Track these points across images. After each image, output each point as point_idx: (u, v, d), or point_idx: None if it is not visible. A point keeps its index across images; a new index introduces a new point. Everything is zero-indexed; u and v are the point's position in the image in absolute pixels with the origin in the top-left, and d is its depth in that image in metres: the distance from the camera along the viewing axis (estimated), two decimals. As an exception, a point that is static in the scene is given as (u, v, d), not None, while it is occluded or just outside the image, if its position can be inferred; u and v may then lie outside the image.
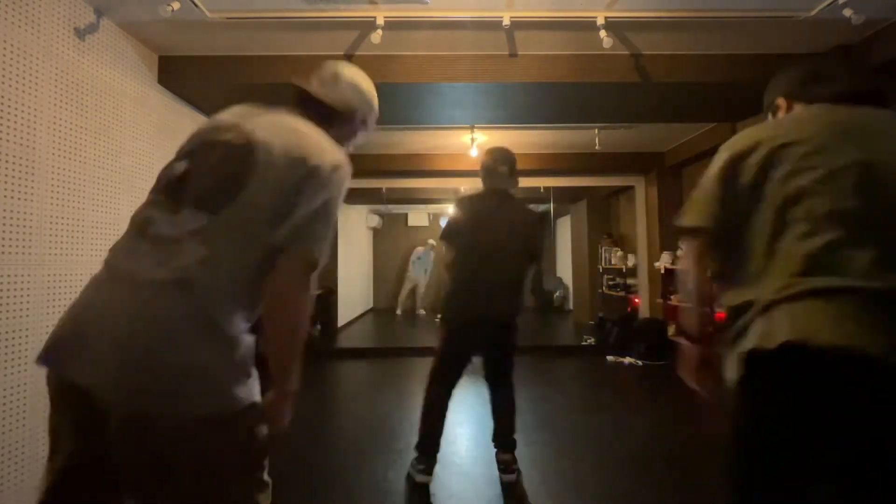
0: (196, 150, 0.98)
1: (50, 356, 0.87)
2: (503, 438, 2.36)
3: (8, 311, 1.84)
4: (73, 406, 0.86)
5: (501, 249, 2.24)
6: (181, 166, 0.95)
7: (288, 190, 0.92)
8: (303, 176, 0.93)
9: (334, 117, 1.17)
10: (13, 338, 1.86)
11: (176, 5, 2.16)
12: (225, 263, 0.88)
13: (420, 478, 2.25)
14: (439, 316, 2.40)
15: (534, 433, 2.91)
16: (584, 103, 3.26)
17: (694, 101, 3.23)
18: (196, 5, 2.26)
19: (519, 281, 2.31)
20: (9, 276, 1.85)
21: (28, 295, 1.93)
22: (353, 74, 1.25)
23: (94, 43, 2.32)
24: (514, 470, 2.30)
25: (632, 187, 5.78)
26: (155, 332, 0.83)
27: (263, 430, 0.92)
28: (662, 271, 5.17)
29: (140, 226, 0.93)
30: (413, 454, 2.33)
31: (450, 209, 9.12)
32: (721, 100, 3.20)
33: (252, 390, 0.90)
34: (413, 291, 9.22)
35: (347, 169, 1.03)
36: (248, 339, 0.92)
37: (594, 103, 3.27)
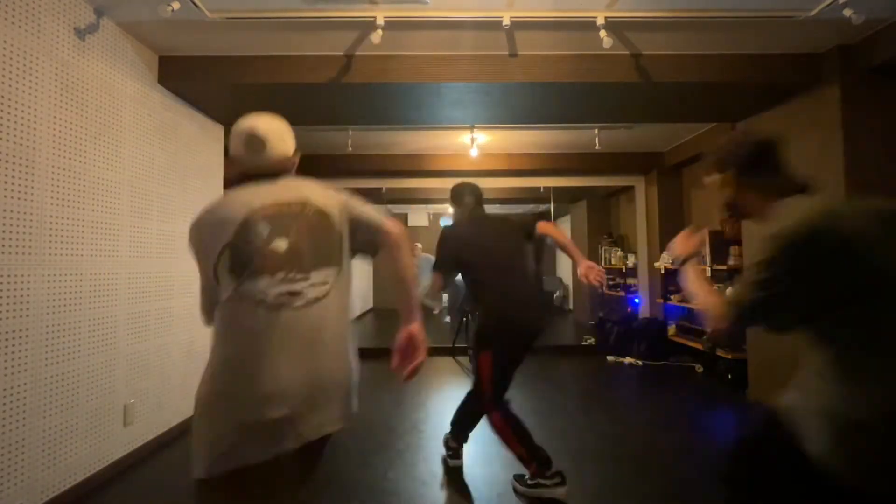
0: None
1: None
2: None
3: (8, 311, 1.84)
4: None
5: (509, 259, 2.27)
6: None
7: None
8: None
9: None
10: (13, 338, 1.86)
11: (176, 5, 2.16)
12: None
13: (558, 491, 2.12)
14: (473, 343, 2.29)
15: (534, 433, 2.91)
16: (584, 103, 3.26)
17: (694, 101, 3.23)
18: (196, 5, 2.26)
19: (537, 285, 2.33)
20: (9, 276, 1.85)
21: (28, 295, 1.93)
22: (270, 126, 1.23)
23: (94, 43, 2.32)
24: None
25: (632, 187, 5.79)
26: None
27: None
28: (662, 271, 5.17)
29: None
30: (533, 472, 2.18)
31: (450, 209, 9.06)
32: (721, 100, 3.20)
33: None
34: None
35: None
36: None
37: (594, 103, 3.27)
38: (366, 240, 1.23)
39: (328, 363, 1.09)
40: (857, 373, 0.96)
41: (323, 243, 1.14)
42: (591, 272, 2.22)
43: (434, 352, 5.35)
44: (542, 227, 2.33)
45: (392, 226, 1.23)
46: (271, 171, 1.19)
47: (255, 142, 1.16)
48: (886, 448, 0.92)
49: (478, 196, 2.47)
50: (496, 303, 2.22)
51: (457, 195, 2.48)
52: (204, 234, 1.13)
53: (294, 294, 1.07)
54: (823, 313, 0.97)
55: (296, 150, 1.26)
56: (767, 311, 1.00)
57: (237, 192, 1.16)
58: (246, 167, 1.19)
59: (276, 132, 1.20)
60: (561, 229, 2.29)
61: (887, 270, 0.93)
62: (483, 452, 2.62)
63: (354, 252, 1.23)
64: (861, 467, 0.95)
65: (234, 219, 1.09)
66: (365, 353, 4.99)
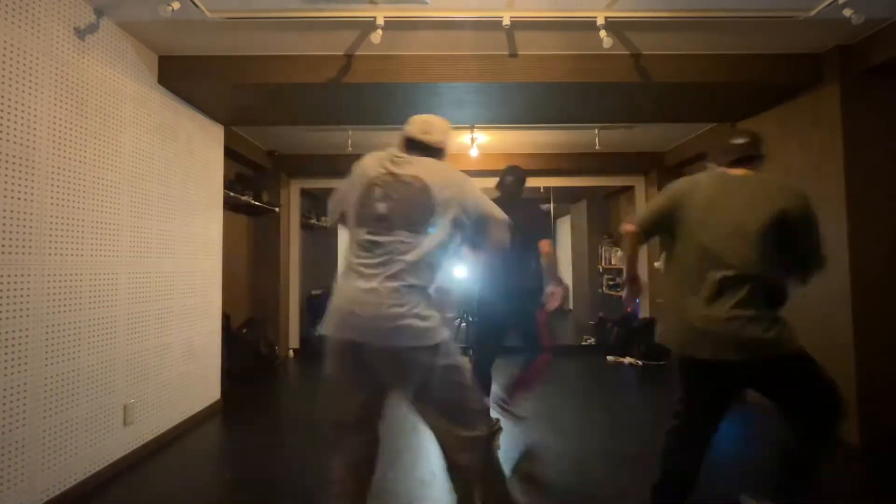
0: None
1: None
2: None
3: (8, 311, 1.84)
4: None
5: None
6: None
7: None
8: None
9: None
10: (13, 338, 1.86)
11: (176, 5, 2.16)
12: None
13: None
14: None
15: (534, 433, 2.91)
16: (584, 103, 3.26)
17: (694, 101, 3.23)
18: (196, 5, 2.25)
19: (528, 273, 2.68)
20: (9, 276, 1.85)
21: (28, 295, 1.93)
22: (439, 122, 1.73)
23: (94, 43, 2.32)
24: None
25: (632, 187, 5.78)
26: None
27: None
28: (662, 271, 5.16)
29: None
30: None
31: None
32: (721, 100, 3.20)
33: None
34: None
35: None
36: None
37: (594, 103, 3.27)
38: (473, 224, 1.55)
39: (385, 300, 1.41)
40: (670, 275, 1.71)
41: (412, 214, 1.47)
42: (552, 299, 2.65)
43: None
44: (544, 245, 2.68)
45: (499, 216, 1.59)
46: (427, 149, 1.62)
47: (425, 125, 1.66)
48: (675, 327, 1.64)
49: (518, 179, 2.84)
50: (486, 278, 2.69)
51: (500, 177, 2.86)
52: (350, 179, 1.58)
53: (374, 244, 1.46)
54: (672, 229, 1.65)
55: (447, 145, 1.70)
56: (655, 220, 1.68)
57: (377, 156, 1.59)
58: (414, 141, 1.64)
59: (440, 127, 1.69)
60: (553, 252, 2.70)
61: (690, 218, 1.59)
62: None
63: (456, 226, 1.53)
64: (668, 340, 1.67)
65: (362, 181, 1.53)
66: (365, 353, 4.82)
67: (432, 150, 1.64)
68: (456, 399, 1.49)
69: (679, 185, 1.66)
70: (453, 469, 1.52)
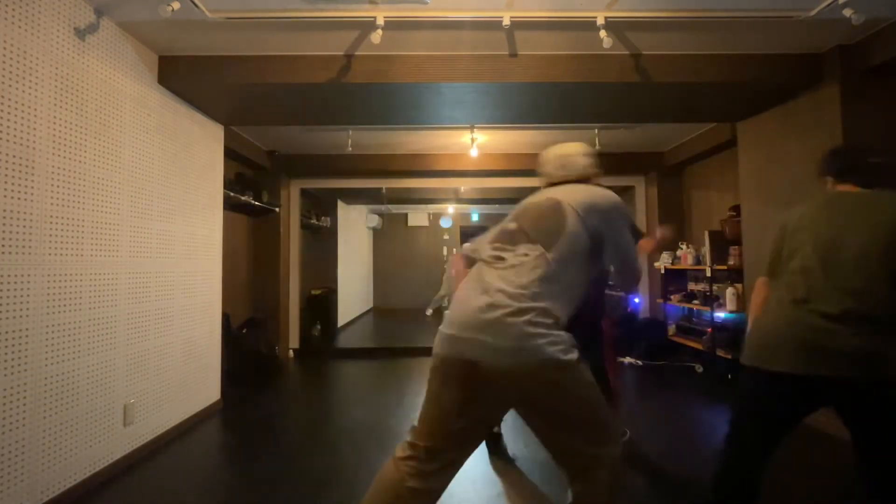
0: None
1: None
2: None
3: (8, 311, 1.84)
4: None
5: None
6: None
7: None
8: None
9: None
10: (14, 338, 1.86)
11: (176, 5, 2.16)
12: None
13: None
14: None
15: (532, 434, 2.91)
16: (584, 103, 3.26)
17: (694, 101, 3.23)
18: (196, 5, 2.26)
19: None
20: (9, 276, 1.85)
21: (28, 295, 1.93)
22: (572, 150, 1.75)
23: (94, 43, 2.32)
24: None
25: (632, 187, 5.78)
26: None
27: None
28: (662, 271, 5.17)
29: None
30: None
31: (450, 209, 9.17)
32: (721, 100, 3.20)
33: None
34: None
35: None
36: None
37: (594, 103, 3.27)
38: (610, 258, 1.51)
39: (498, 313, 1.33)
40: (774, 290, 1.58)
41: (541, 228, 1.44)
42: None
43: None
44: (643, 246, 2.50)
45: (630, 261, 1.52)
46: (567, 180, 1.65)
47: (561, 161, 1.69)
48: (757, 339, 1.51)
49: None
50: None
51: None
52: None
53: (499, 258, 1.44)
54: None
55: (595, 171, 1.75)
56: (774, 258, 1.63)
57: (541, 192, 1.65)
58: (552, 179, 1.69)
59: (573, 156, 1.72)
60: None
61: (791, 245, 1.54)
62: (483, 451, 2.62)
63: (593, 249, 1.46)
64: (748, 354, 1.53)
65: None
66: (364, 354, 4.99)
67: (578, 180, 1.64)
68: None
69: (787, 213, 1.64)
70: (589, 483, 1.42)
